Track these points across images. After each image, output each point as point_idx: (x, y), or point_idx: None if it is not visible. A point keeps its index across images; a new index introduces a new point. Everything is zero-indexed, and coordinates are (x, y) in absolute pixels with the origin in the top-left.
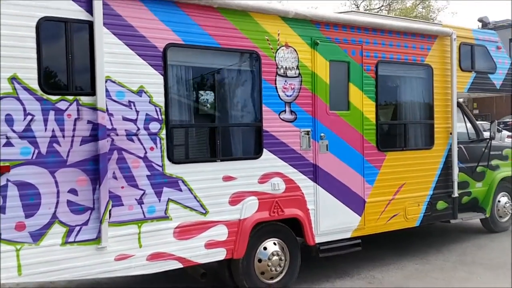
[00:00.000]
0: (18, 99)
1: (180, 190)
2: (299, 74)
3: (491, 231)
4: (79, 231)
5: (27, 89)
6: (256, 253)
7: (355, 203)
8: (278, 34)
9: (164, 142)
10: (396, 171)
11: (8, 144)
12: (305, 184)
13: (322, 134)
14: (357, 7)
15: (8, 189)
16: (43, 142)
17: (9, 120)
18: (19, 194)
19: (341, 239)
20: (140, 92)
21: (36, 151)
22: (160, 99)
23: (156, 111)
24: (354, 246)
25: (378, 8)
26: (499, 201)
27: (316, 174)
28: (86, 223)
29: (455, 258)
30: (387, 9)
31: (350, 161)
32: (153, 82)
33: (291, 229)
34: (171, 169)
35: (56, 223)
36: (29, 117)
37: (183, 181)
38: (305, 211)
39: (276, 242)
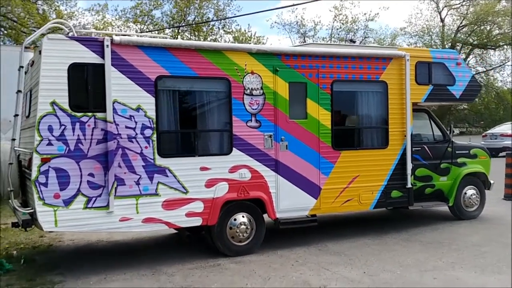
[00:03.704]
0: (56, 116)
1: (167, 175)
2: (263, 93)
3: (459, 218)
4: (95, 200)
5: (62, 109)
6: (228, 222)
7: (312, 189)
8: (245, 64)
9: (155, 143)
10: (350, 166)
11: (49, 144)
12: (268, 174)
13: (282, 137)
14: (437, 4)
15: (49, 172)
16: (72, 142)
17: (50, 129)
18: (56, 175)
19: (300, 216)
20: (138, 109)
21: (67, 148)
22: (152, 113)
23: (149, 121)
24: (310, 221)
25: (459, 3)
26: (465, 193)
27: (277, 166)
28: (100, 195)
29: (404, 237)
30: (467, 4)
31: (308, 157)
32: (147, 102)
33: (257, 207)
34: (160, 161)
35: (80, 194)
36: (62, 127)
37: (169, 170)
38: (267, 193)
39: (244, 215)
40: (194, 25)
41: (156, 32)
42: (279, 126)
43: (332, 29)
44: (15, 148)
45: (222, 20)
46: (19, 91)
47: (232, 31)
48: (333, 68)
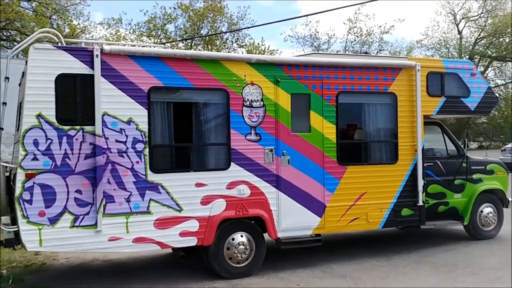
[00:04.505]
0: (42, 129)
1: (160, 192)
2: (264, 105)
3: (474, 238)
4: (82, 218)
5: (48, 122)
6: (225, 242)
7: (316, 206)
8: (245, 75)
9: (147, 157)
10: (357, 182)
11: (35, 159)
12: (269, 190)
13: (284, 151)
14: (454, 16)
15: (34, 188)
16: (58, 157)
17: (36, 143)
18: (41, 192)
19: (303, 235)
20: (129, 122)
21: (53, 163)
22: (144, 126)
23: (141, 135)
24: (314, 241)
25: (477, 15)
26: (481, 212)
27: (278, 182)
28: (87, 213)
29: (415, 258)
30: (486, 15)
31: (311, 173)
32: (139, 114)
33: (257, 225)
34: (153, 177)
35: (67, 212)
36: (49, 141)
37: (162, 186)
38: (268, 211)
39: (243, 235)
40: (206, 37)
41: (169, 45)
42: (280, 139)
43: (346, 42)
44: (2, 164)
45: (235, 34)
46: (4, 103)
47: (245, 44)
48: (339, 79)
